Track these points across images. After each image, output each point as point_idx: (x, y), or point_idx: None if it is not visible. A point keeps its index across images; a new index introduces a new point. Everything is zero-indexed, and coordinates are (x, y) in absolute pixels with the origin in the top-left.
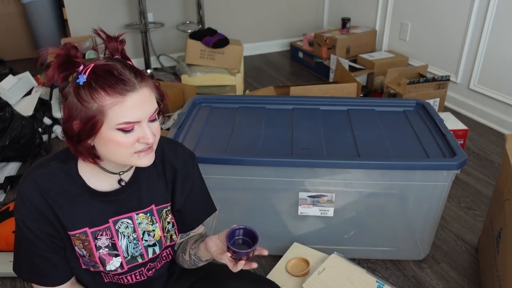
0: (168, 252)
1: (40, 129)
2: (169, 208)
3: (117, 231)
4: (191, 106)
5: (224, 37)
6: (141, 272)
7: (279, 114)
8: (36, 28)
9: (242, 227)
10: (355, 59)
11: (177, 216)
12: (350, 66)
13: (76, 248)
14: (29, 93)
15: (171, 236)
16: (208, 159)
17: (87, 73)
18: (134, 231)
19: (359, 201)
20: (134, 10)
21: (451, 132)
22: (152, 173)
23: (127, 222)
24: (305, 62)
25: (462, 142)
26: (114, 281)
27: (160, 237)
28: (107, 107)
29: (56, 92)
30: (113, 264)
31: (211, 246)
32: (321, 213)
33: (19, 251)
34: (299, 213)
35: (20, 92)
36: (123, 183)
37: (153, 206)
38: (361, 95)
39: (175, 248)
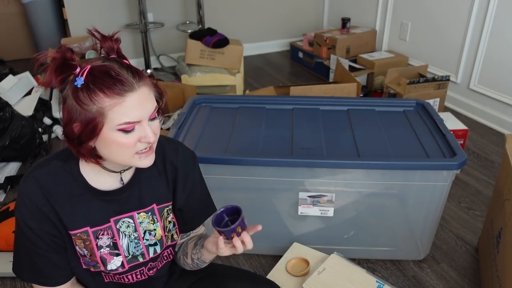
0: (169, 252)
1: (40, 129)
2: (170, 207)
3: (118, 230)
4: (191, 106)
5: (224, 37)
6: (141, 271)
7: (279, 114)
8: (36, 28)
9: (223, 209)
10: (355, 59)
11: (178, 216)
12: (350, 66)
13: (77, 247)
14: (29, 93)
15: (172, 235)
16: (208, 159)
17: (84, 75)
18: (135, 230)
19: (359, 201)
20: (134, 10)
21: (451, 132)
22: (153, 172)
23: (128, 222)
24: (305, 62)
25: (462, 142)
26: (114, 281)
27: (161, 236)
28: (107, 109)
29: (56, 92)
30: (114, 263)
31: (211, 248)
32: (321, 213)
33: (20, 251)
34: (299, 213)
35: (20, 92)
36: (124, 182)
37: (154, 205)
38: (361, 95)
39: (176, 250)
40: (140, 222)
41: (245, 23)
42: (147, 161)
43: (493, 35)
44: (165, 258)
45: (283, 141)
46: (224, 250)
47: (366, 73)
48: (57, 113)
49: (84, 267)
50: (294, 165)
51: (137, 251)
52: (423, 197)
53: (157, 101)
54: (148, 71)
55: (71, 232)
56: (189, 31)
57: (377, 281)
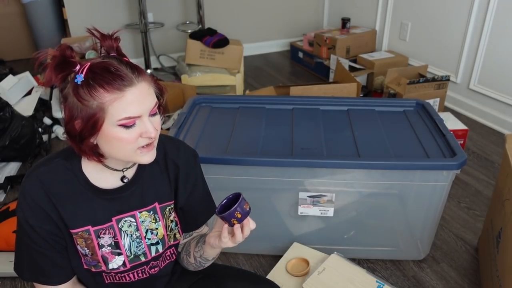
0: (172, 252)
1: (40, 129)
2: (172, 206)
3: (120, 229)
4: (191, 106)
5: (224, 37)
6: (143, 270)
7: (279, 114)
8: (36, 28)
9: (225, 200)
10: (355, 59)
11: (180, 215)
12: (350, 66)
13: (78, 246)
14: (29, 93)
15: (174, 235)
16: (208, 159)
17: (84, 72)
18: (137, 229)
19: (359, 201)
20: (134, 10)
21: (451, 132)
22: (155, 171)
23: (130, 221)
24: (305, 62)
25: (462, 142)
26: (115, 281)
27: (163, 235)
28: (107, 104)
29: (56, 92)
30: (116, 262)
31: (213, 241)
32: (321, 213)
33: (21, 250)
34: (299, 213)
35: (20, 92)
36: (125, 180)
37: (156, 203)
38: (361, 95)
39: (179, 250)
40: (142, 221)
41: (245, 23)
42: (148, 157)
43: (493, 35)
44: (168, 258)
45: (283, 141)
46: (227, 240)
47: (366, 73)
48: (57, 113)
49: (85, 267)
50: (294, 165)
51: (139, 250)
52: (423, 197)
53: (157, 98)
54: (148, 71)
55: (72, 231)
56: (189, 31)
57: (377, 281)
